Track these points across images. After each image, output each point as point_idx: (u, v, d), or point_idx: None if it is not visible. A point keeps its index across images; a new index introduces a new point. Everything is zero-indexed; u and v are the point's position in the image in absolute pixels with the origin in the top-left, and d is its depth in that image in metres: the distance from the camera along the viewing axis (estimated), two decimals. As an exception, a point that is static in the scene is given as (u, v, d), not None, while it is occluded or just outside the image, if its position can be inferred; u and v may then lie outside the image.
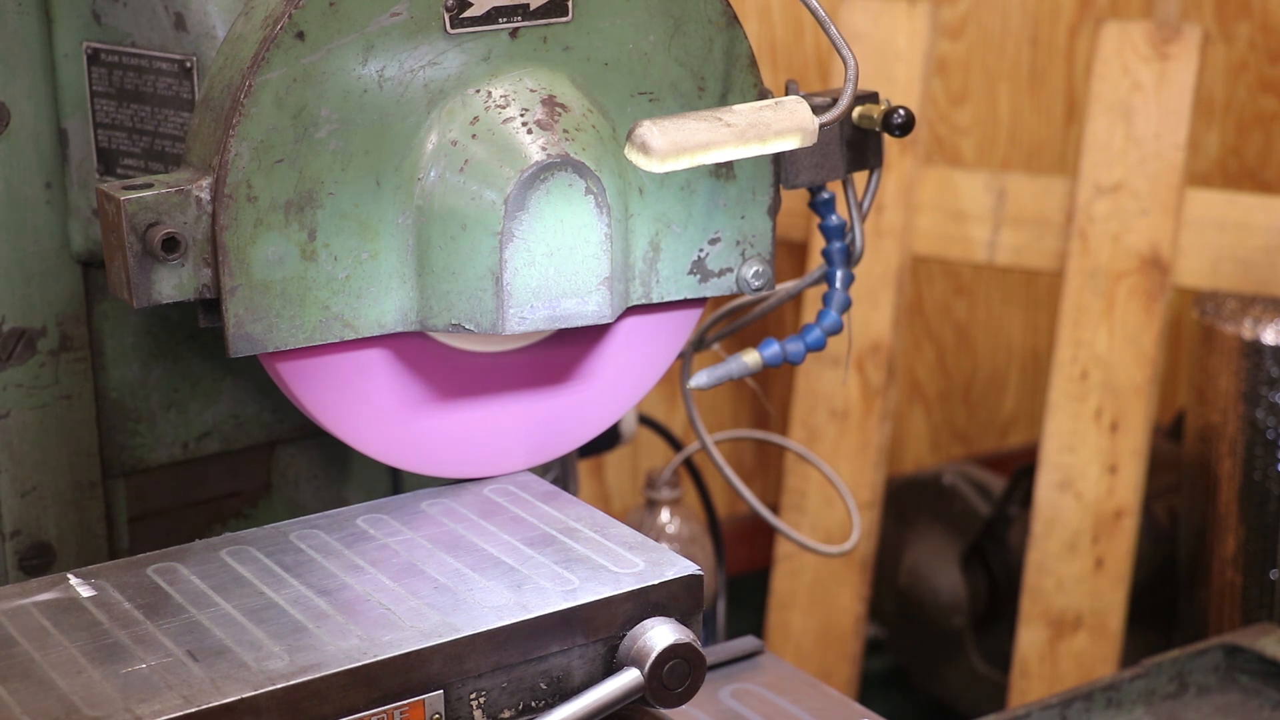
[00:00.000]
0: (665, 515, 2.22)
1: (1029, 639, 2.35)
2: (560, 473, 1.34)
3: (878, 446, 2.45)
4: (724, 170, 1.14)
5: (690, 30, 1.11)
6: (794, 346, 1.20)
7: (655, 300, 1.15)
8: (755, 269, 1.17)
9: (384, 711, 0.97)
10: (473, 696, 0.99)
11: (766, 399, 2.70)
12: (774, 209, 1.17)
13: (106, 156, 1.16)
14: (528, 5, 1.06)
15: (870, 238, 2.40)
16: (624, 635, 1.03)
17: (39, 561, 1.22)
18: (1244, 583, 2.40)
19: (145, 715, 0.91)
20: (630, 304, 1.14)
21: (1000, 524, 2.56)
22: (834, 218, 1.22)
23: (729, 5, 1.12)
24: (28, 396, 1.19)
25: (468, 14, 1.05)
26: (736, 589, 2.57)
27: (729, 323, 1.31)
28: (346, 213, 1.04)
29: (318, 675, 0.95)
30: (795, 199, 1.30)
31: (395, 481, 1.31)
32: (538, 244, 1.05)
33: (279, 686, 0.94)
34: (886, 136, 1.19)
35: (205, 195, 1.01)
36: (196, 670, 0.95)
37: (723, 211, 1.15)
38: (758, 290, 1.17)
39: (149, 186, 1.01)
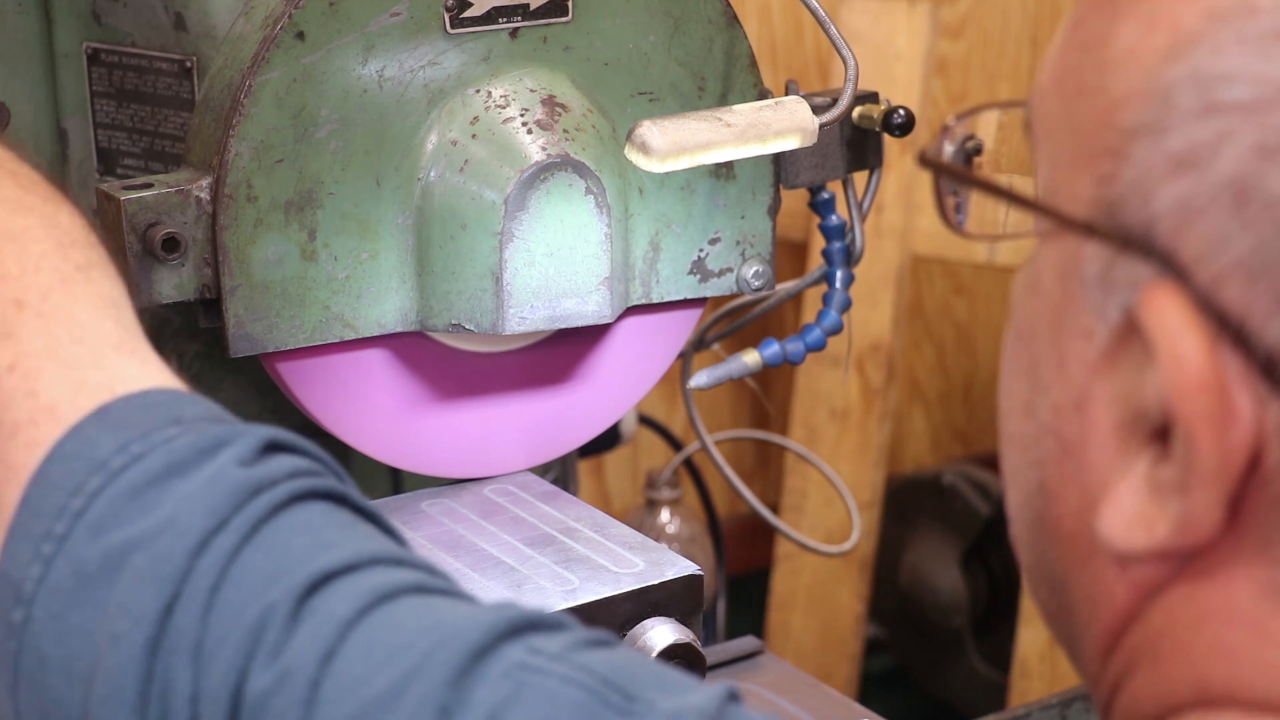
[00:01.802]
0: (665, 515, 2.21)
1: (1029, 639, 2.35)
2: (560, 473, 1.34)
3: (878, 446, 2.45)
4: (724, 170, 1.14)
5: (690, 30, 1.11)
6: (794, 346, 1.20)
7: (655, 300, 1.15)
8: (755, 269, 1.17)
9: (384, 711, 0.96)
10: (473, 696, 0.99)
11: (766, 399, 2.70)
12: (774, 209, 1.17)
13: (106, 156, 1.16)
14: (528, 5, 1.06)
15: (870, 238, 2.40)
16: (624, 635, 1.03)
17: (39, 561, 1.22)
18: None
19: (145, 715, 0.91)
20: (630, 304, 1.14)
21: (1000, 524, 2.55)
22: (834, 218, 1.22)
23: (729, 5, 1.12)
24: (28, 396, 1.19)
25: (468, 14, 1.05)
26: (736, 589, 2.57)
27: (729, 323, 1.31)
28: (346, 213, 1.04)
29: (318, 675, 0.94)
30: (795, 199, 1.30)
31: (395, 481, 1.31)
32: (538, 244, 1.05)
33: (279, 686, 0.93)
34: (886, 136, 1.19)
35: (205, 195, 1.01)
36: (196, 670, 0.95)
37: (723, 211, 1.15)
38: (758, 290, 1.17)
39: (149, 186, 1.01)
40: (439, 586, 0.66)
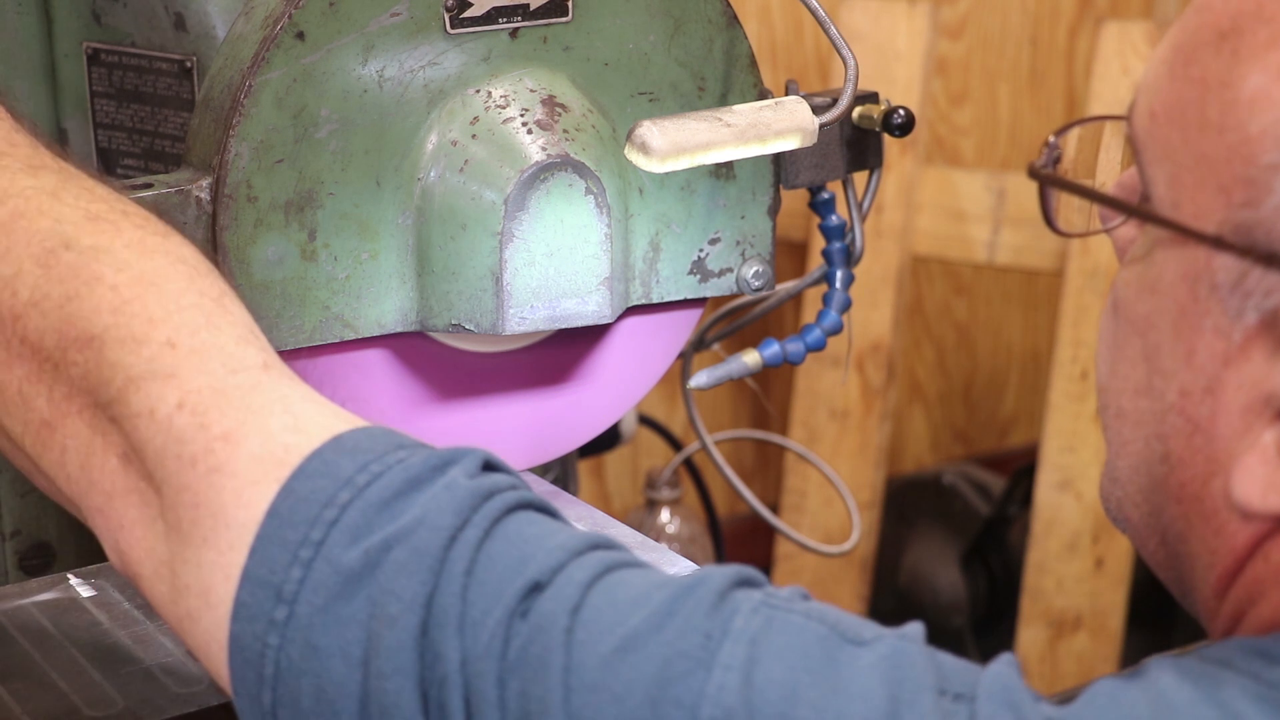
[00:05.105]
0: (665, 515, 2.22)
1: (1029, 639, 2.35)
2: (560, 473, 1.34)
3: (878, 446, 2.45)
4: (724, 170, 1.14)
5: (690, 30, 1.11)
6: (794, 346, 1.20)
7: (655, 300, 1.15)
8: (755, 269, 1.17)
9: (384, 711, 0.96)
10: (473, 696, 0.99)
11: (766, 399, 2.70)
12: (774, 209, 1.17)
13: (106, 156, 1.16)
14: (528, 5, 1.06)
15: (870, 238, 2.40)
16: (624, 635, 1.03)
17: (39, 561, 1.22)
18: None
19: (145, 715, 0.91)
20: (630, 304, 1.14)
21: (1000, 524, 2.56)
22: (834, 218, 1.22)
23: (729, 5, 1.12)
24: (28, 396, 1.19)
25: (468, 14, 1.05)
26: (736, 589, 2.57)
27: (729, 323, 1.31)
28: (346, 213, 1.04)
29: (318, 675, 0.94)
30: (795, 199, 1.30)
31: (395, 481, 1.31)
32: (538, 244, 1.05)
33: (279, 686, 0.93)
34: (886, 136, 1.19)
35: (205, 195, 1.01)
36: (197, 670, 0.95)
37: (723, 211, 1.15)
38: (758, 290, 1.17)
39: (149, 186, 1.01)
40: (646, 563, 0.76)
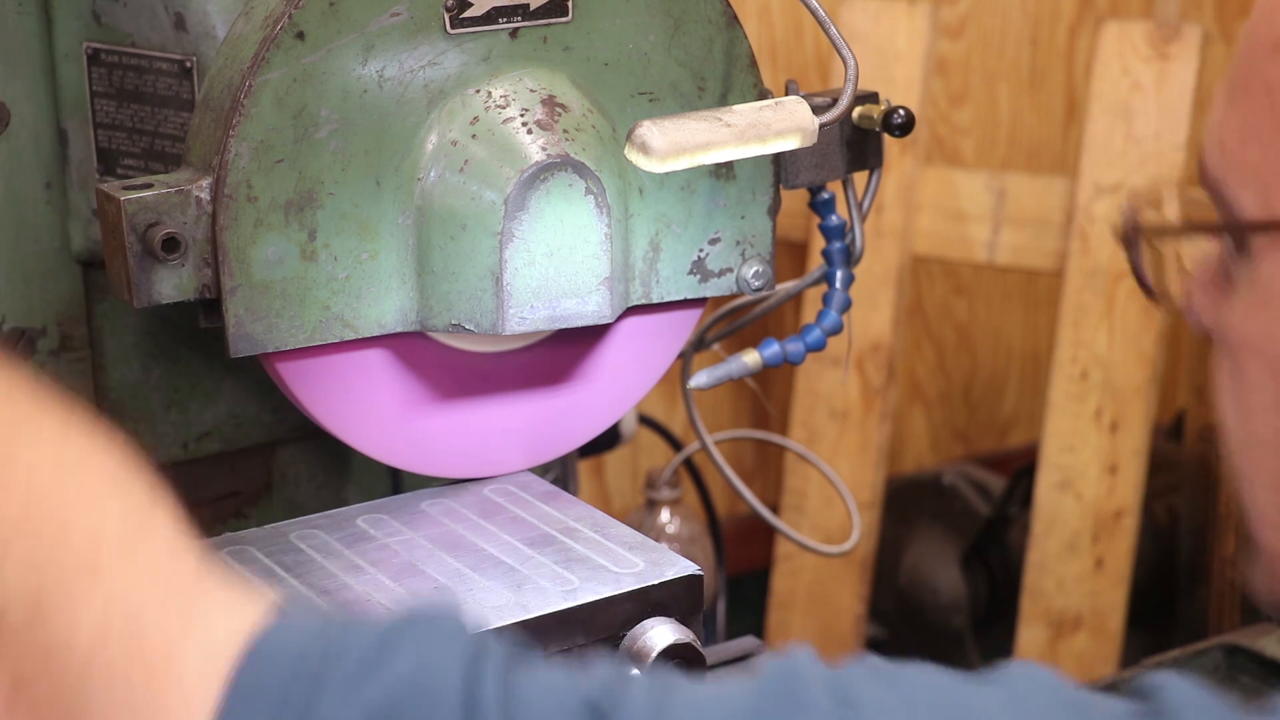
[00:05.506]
0: (665, 515, 2.21)
1: (1029, 639, 2.35)
2: (560, 473, 1.34)
3: (878, 446, 2.45)
4: (724, 170, 1.14)
5: (690, 30, 1.11)
6: (794, 346, 1.20)
7: (655, 300, 1.15)
8: (755, 269, 1.17)
9: (384, 711, 0.96)
10: (473, 696, 0.99)
11: (766, 399, 2.70)
12: (774, 209, 1.17)
13: (106, 156, 1.16)
14: (528, 5, 1.06)
15: (870, 238, 2.40)
16: (624, 635, 1.03)
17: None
18: (1244, 583, 2.40)
19: (145, 715, 0.91)
20: (630, 304, 1.14)
21: (1000, 524, 2.55)
22: (834, 218, 1.22)
23: (729, 5, 1.12)
24: (28, 396, 1.19)
25: (468, 14, 1.05)
26: (736, 589, 2.57)
27: (729, 323, 1.31)
28: (346, 213, 1.04)
29: (318, 675, 0.94)
30: (795, 199, 1.30)
31: (395, 481, 1.31)
32: (538, 244, 1.05)
33: (279, 686, 0.93)
34: (886, 136, 1.19)
35: (205, 195, 1.01)
36: (196, 670, 0.95)
37: (723, 211, 1.15)
38: (758, 290, 1.17)
39: (149, 186, 1.01)
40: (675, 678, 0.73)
